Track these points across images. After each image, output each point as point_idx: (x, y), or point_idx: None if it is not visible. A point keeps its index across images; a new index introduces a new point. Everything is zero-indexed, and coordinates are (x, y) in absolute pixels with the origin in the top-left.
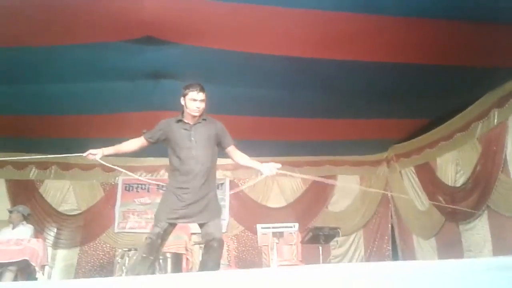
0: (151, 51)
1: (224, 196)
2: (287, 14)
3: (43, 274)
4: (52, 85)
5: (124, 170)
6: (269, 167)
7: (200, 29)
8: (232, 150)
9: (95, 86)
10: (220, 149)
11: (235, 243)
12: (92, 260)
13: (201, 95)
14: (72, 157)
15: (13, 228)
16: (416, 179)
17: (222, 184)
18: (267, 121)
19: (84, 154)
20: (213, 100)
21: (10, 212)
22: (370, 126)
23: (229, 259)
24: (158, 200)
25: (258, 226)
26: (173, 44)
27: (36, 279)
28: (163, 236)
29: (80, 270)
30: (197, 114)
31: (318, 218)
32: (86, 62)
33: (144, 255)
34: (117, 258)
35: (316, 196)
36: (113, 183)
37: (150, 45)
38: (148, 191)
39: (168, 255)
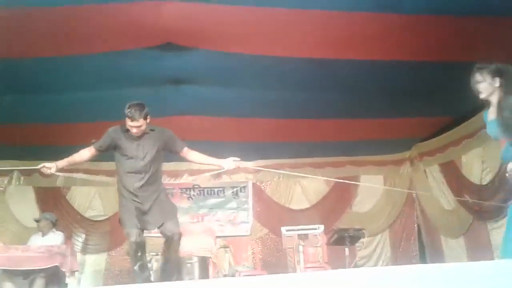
0: (171, 57)
1: (247, 199)
2: (305, 16)
3: (73, 280)
4: (75, 93)
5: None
6: (228, 161)
7: (219, 34)
8: (186, 152)
9: (117, 93)
10: (174, 154)
11: (260, 246)
12: (120, 265)
13: (136, 123)
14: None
15: (43, 235)
16: (442, 177)
17: (244, 187)
18: (288, 123)
19: (39, 167)
20: (233, 103)
21: (37, 221)
22: (393, 125)
23: (254, 262)
24: (182, 204)
25: (283, 229)
26: (192, 50)
27: (66, 285)
28: (141, 240)
29: (108, 275)
30: (138, 135)
31: (342, 219)
32: (107, 70)
33: (138, 265)
34: None
35: (340, 197)
36: None
37: (170, 51)
38: (172, 195)
39: (195, 259)
